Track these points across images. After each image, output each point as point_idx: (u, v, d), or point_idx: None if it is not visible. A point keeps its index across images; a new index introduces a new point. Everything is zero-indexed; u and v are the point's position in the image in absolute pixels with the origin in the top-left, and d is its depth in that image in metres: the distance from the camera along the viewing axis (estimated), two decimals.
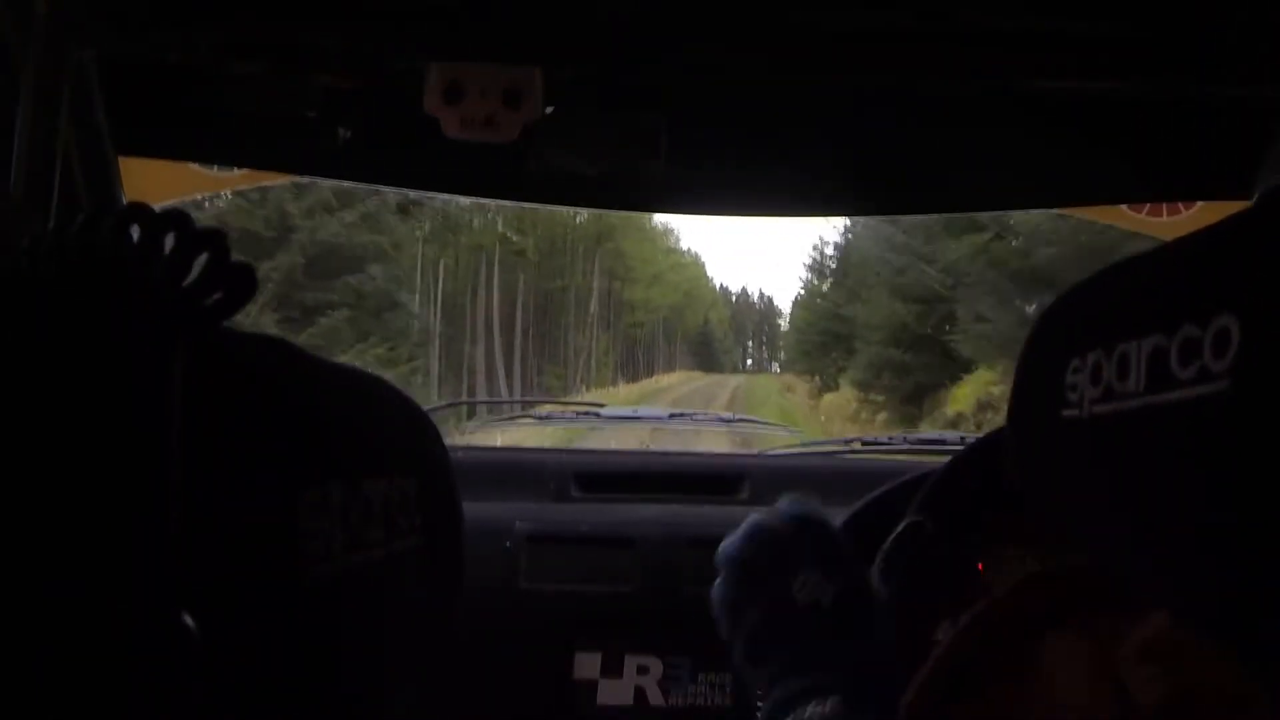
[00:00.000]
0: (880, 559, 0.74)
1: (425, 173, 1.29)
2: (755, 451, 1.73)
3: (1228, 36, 0.99)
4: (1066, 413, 0.39)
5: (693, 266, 61.54)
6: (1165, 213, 1.44)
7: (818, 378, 31.00)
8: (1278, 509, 0.29)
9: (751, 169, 1.27)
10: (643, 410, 2.15)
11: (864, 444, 1.73)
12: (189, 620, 0.34)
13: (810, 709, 0.65)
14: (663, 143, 1.13)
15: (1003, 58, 1.06)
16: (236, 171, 1.47)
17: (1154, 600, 0.35)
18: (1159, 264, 0.37)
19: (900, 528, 0.75)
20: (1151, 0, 0.97)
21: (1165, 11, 0.98)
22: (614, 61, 1.11)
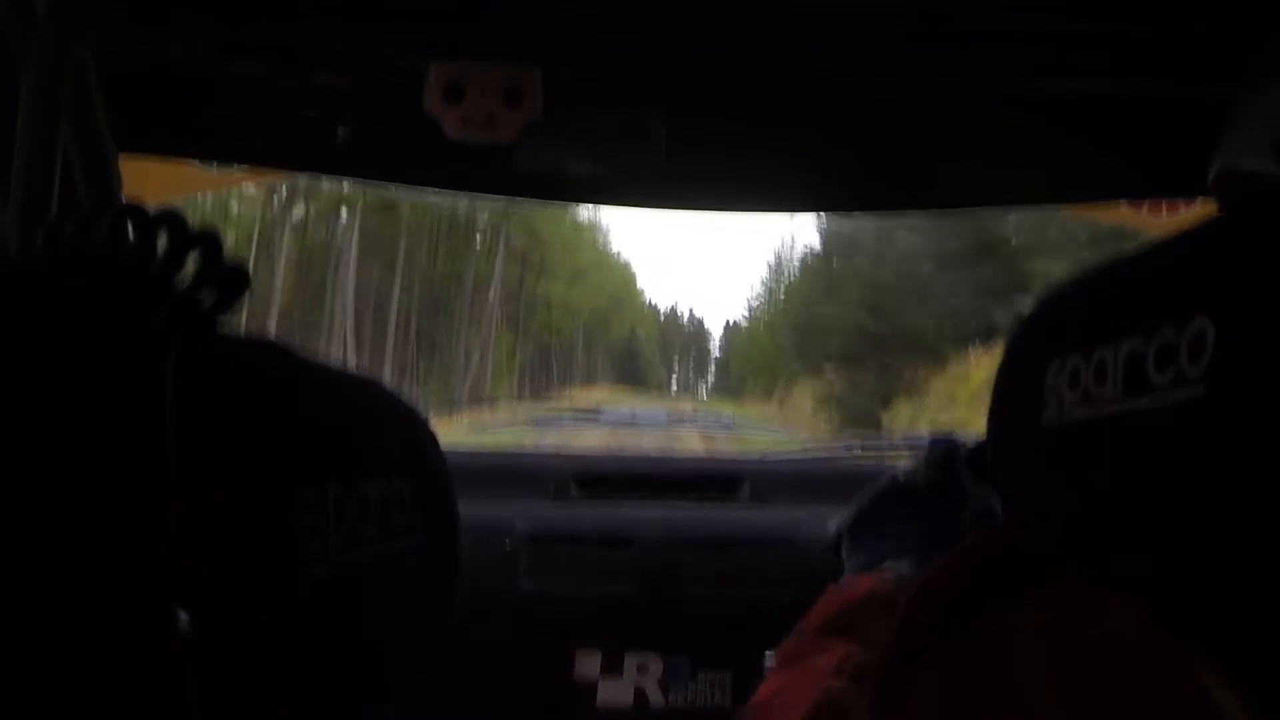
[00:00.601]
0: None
1: (425, 172, 1.29)
2: (755, 452, 1.73)
3: (1227, 36, 0.99)
4: (1045, 417, 0.38)
5: (622, 271, 52.33)
6: (1165, 212, 1.43)
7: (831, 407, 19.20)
8: (1253, 514, 0.29)
9: (751, 167, 1.28)
10: (643, 413, 2.15)
11: (864, 446, 1.73)
12: (184, 619, 0.34)
13: (886, 564, 0.75)
14: (663, 141, 1.13)
15: (1003, 58, 1.06)
16: (236, 171, 1.47)
17: (1131, 604, 0.35)
18: (1137, 266, 0.37)
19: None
20: (1151, 1, 0.97)
21: (1165, 11, 0.98)
22: (614, 61, 1.11)
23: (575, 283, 41.04)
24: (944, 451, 0.83)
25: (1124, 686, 0.33)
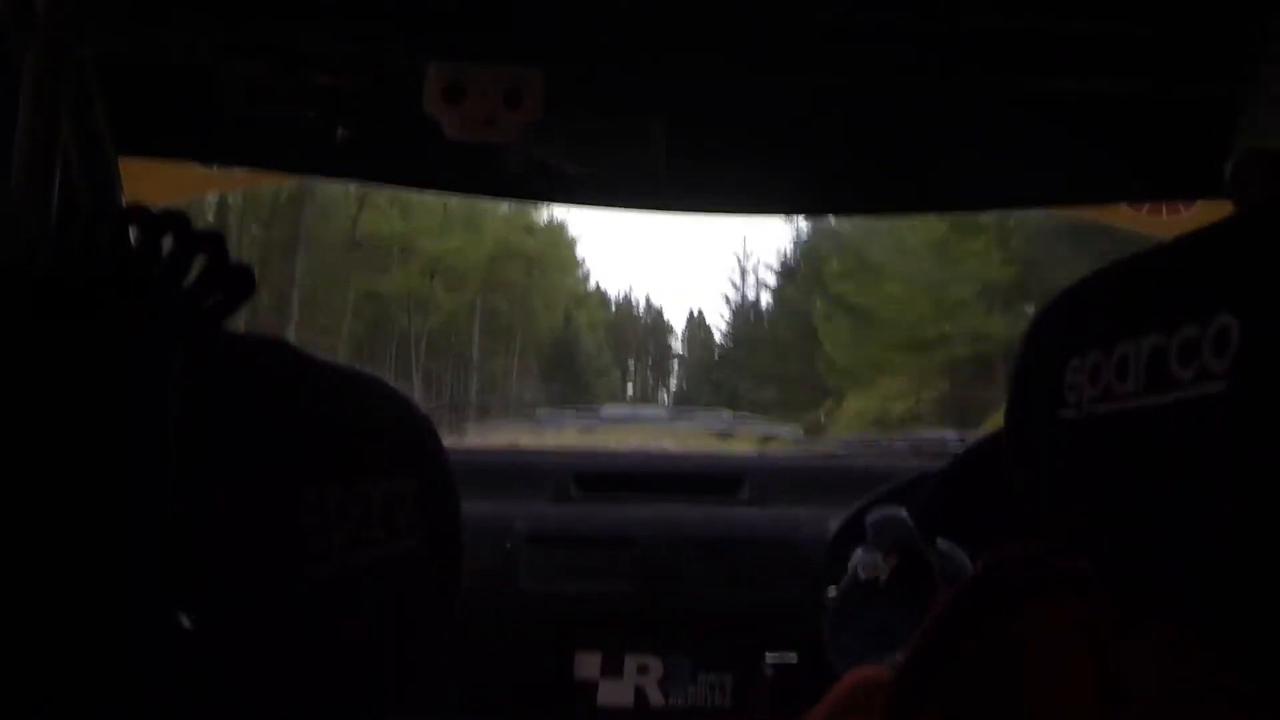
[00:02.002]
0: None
1: (425, 172, 1.29)
2: (755, 452, 1.73)
3: (1227, 36, 0.99)
4: (1065, 413, 0.39)
5: (551, 232, 30.28)
6: (1165, 213, 1.44)
7: None
8: (1277, 509, 0.29)
9: (751, 168, 1.27)
10: (643, 409, 2.16)
11: (864, 444, 1.73)
12: (185, 620, 0.35)
13: (886, 659, 0.71)
14: (662, 142, 1.13)
15: (1003, 58, 1.06)
16: (236, 171, 1.47)
17: (1152, 600, 0.35)
18: (1158, 263, 0.37)
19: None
20: (1151, 1, 0.97)
21: (1165, 11, 0.98)
22: (614, 61, 1.11)
23: (465, 233, 22.94)
24: (894, 540, 0.80)
25: (1155, 691, 0.33)
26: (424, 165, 1.26)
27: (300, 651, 0.41)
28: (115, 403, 0.35)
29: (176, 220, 0.38)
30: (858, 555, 0.82)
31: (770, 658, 1.07)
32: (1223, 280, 0.32)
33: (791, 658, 1.07)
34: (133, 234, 0.39)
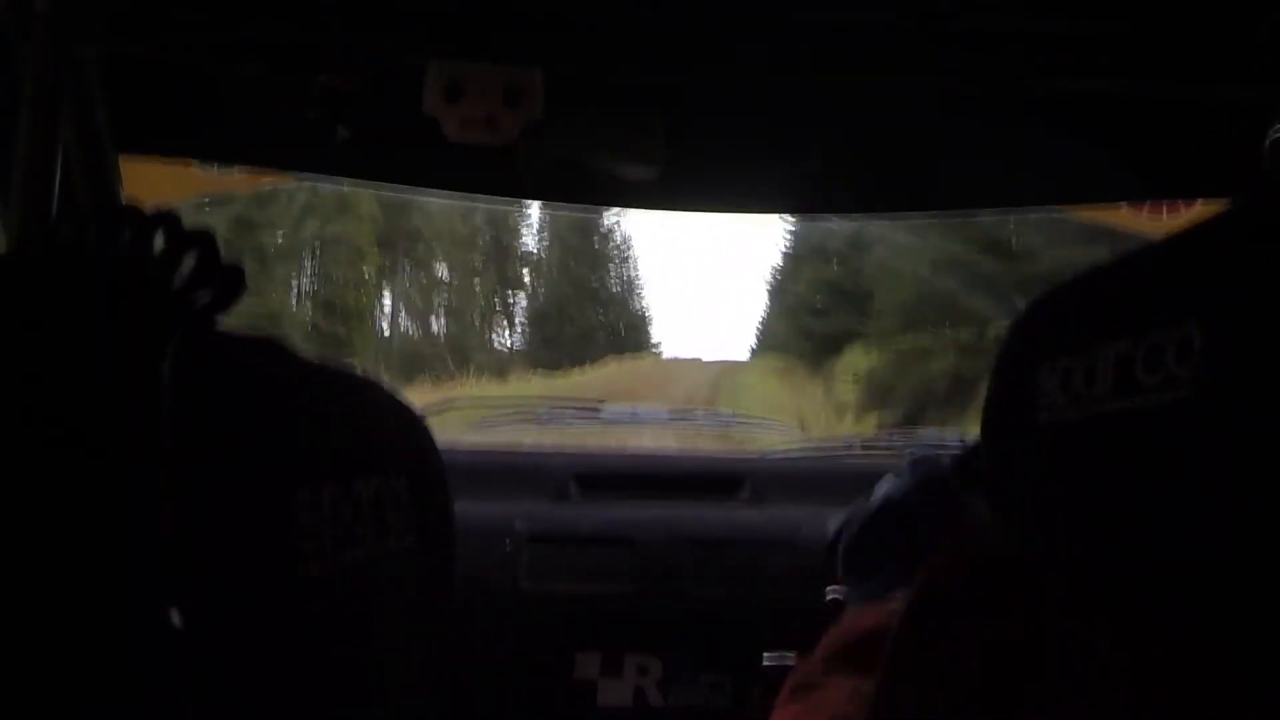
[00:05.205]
0: None
1: (425, 172, 1.29)
2: (755, 452, 1.73)
3: (1227, 36, 0.98)
4: (1037, 418, 0.39)
5: None
6: (1165, 213, 1.43)
7: None
8: (1241, 514, 0.29)
9: (751, 168, 1.27)
10: (643, 410, 2.15)
11: (864, 444, 1.72)
12: (176, 619, 0.35)
13: (897, 594, 0.72)
14: (663, 142, 1.13)
15: (1003, 58, 1.06)
16: (236, 171, 1.47)
17: (1125, 604, 0.35)
18: (1127, 269, 0.37)
19: None
20: (1151, 0, 0.97)
21: (1165, 11, 0.98)
22: (615, 60, 1.11)
23: None
24: (929, 472, 0.81)
25: (1118, 688, 0.33)
26: (424, 165, 1.26)
27: (296, 651, 0.41)
28: (107, 400, 0.35)
29: (167, 220, 0.38)
30: (889, 481, 0.83)
31: (769, 658, 1.07)
32: (1187, 288, 0.32)
33: (791, 658, 1.07)
34: (127, 233, 0.39)
